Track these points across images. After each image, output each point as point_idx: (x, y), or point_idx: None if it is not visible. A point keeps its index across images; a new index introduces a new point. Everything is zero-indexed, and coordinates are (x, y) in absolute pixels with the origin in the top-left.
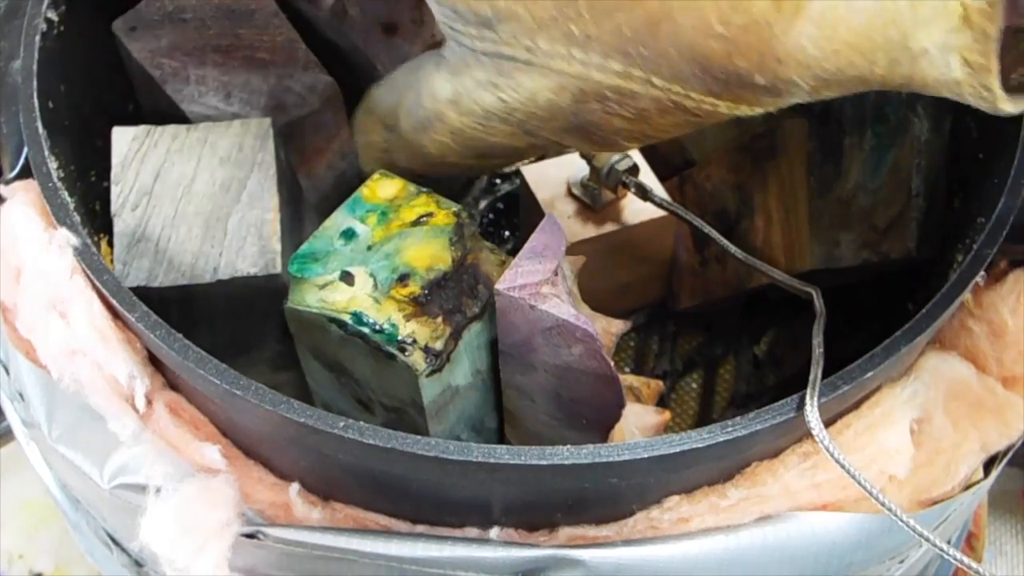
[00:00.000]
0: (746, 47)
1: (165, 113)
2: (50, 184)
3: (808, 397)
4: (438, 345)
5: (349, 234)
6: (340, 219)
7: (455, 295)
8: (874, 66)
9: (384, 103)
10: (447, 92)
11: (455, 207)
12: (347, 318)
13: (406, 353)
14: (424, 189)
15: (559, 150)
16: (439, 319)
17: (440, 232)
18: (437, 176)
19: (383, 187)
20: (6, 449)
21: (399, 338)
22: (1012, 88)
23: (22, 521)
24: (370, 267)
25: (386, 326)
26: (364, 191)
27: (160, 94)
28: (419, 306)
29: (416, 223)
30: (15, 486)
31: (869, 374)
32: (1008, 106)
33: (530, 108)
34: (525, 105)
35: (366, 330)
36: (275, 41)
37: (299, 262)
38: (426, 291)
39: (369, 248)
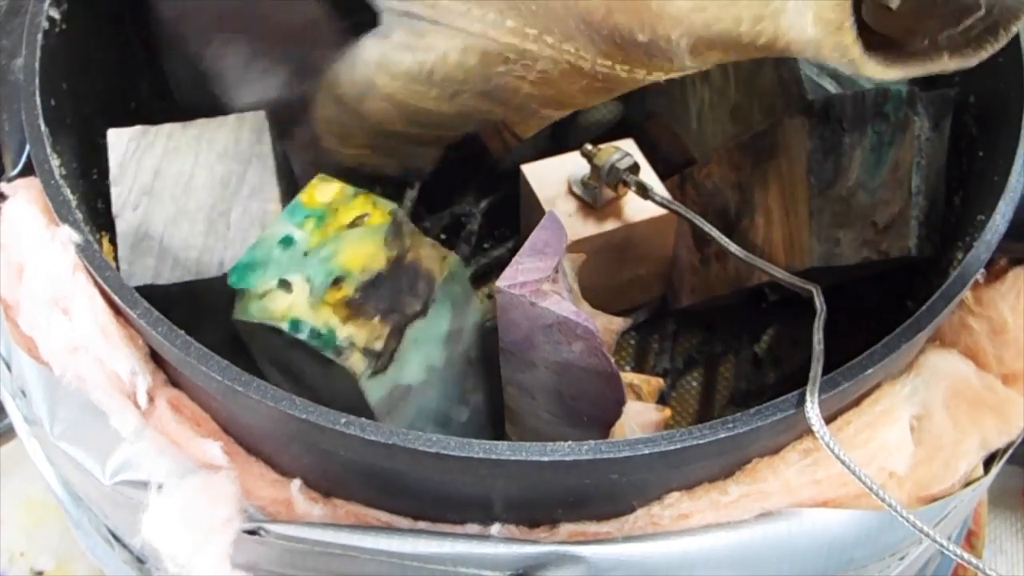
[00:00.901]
0: (623, 2)
1: (190, 82)
2: (52, 182)
3: (808, 394)
4: (377, 346)
5: (287, 241)
6: (279, 227)
7: (391, 294)
8: (740, 24)
9: (333, 76)
10: (375, 56)
11: (391, 206)
12: (285, 326)
13: (342, 356)
14: (361, 191)
15: (510, 130)
16: (375, 320)
17: (375, 232)
18: (400, 153)
19: (321, 191)
20: (7, 447)
21: (336, 342)
22: (875, 48)
23: (23, 519)
24: (307, 273)
25: (323, 331)
26: (303, 196)
27: (187, 62)
28: (353, 308)
29: (352, 225)
30: (16, 484)
31: (869, 371)
32: (871, 68)
33: (444, 69)
34: (439, 67)
35: (303, 336)
36: (303, 17)
37: (237, 273)
38: (359, 293)
39: (305, 254)
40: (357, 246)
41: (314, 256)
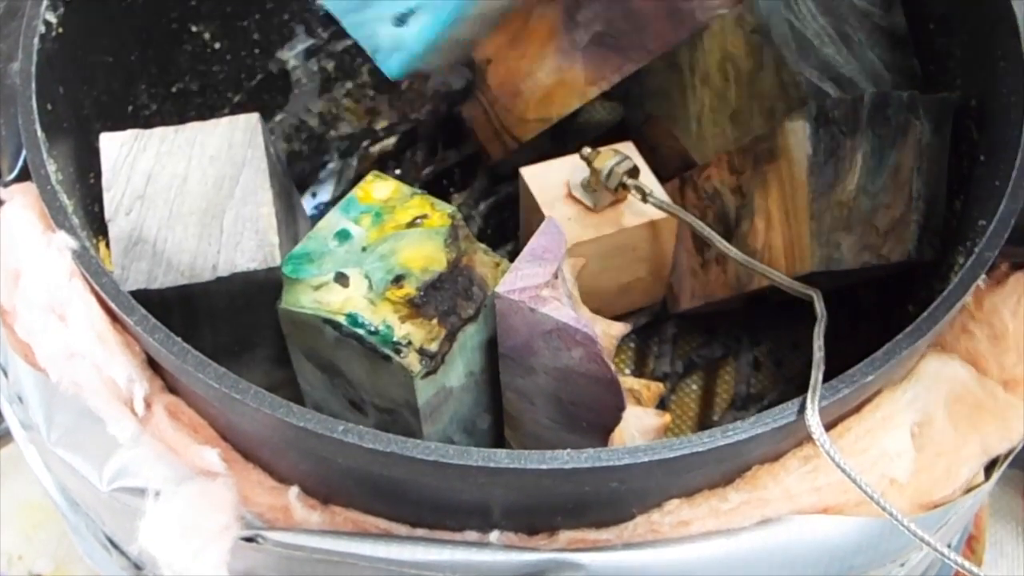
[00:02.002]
0: None
1: None
2: (48, 187)
3: (809, 401)
4: (433, 347)
5: (343, 235)
6: (334, 220)
7: (450, 297)
8: None
9: None
10: None
11: (450, 209)
12: (342, 319)
13: (401, 355)
14: (418, 191)
15: None
16: (434, 321)
17: (435, 234)
18: None
19: (377, 188)
20: (6, 450)
21: (394, 340)
22: None
23: (22, 522)
24: (365, 268)
25: (381, 327)
26: (358, 192)
27: None
28: (414, 308)
29: (411, 224)
30: (15, 487)
31: (870, 377)
32: None
33: None
34: None
35: (361, 331)
36: None
37: (293, 263)
38: (421, 293)
39: (364, 249)
40: (417, 246)
41: (372, 252)
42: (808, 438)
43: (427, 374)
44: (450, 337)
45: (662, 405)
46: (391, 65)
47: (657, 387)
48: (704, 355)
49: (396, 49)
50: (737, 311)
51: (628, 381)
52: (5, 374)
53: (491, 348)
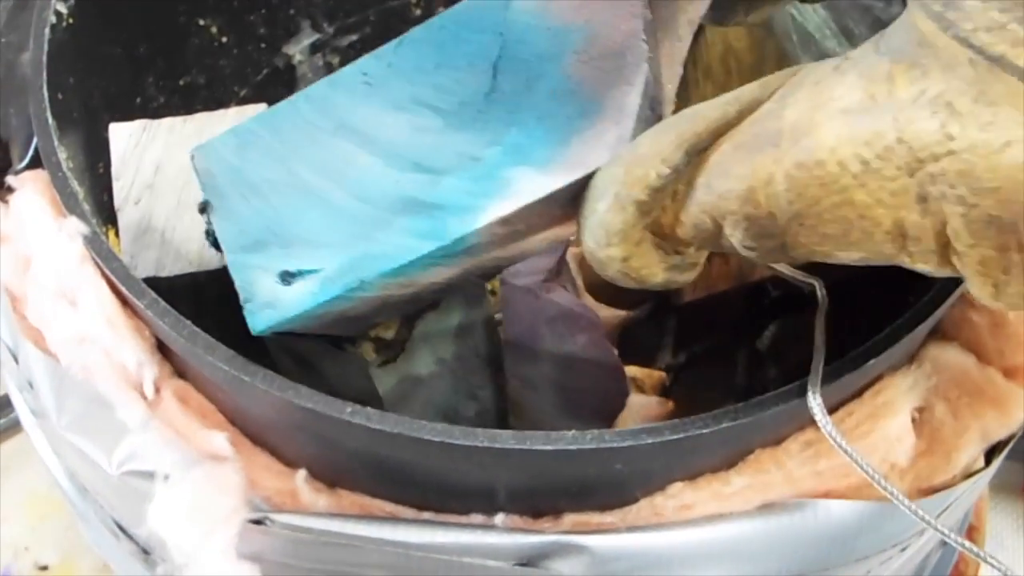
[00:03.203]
0: None
1: None
2: (60, 173)
3: (811, 384)
4: (388, 335)
5: None
6: None
7: None
8: None
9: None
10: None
11: None
12: None
13: (355, 344)
14: None
15: None
16: None
17: None
18: None
19: None
20: (12, 443)
21: None
22: None
23: (27, 515)
24: None
25: None
26: None
27: None
28: None
29: None
30: (20, 480)
31: (871, 361)
32: None
33: None
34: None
35: None
36: None
37: None
38: None
39: None
40: None
41: None
42: (810, 422)
43: (384, 363)
44: (408, 325)
45: (664, 394)
46: (256, 320)
47: (659, 375)
48: (706, 348)
49: (269, 306)
50: (739, 305)
51: (630, 370)
52: (16, 361)
53: (467, 335)
